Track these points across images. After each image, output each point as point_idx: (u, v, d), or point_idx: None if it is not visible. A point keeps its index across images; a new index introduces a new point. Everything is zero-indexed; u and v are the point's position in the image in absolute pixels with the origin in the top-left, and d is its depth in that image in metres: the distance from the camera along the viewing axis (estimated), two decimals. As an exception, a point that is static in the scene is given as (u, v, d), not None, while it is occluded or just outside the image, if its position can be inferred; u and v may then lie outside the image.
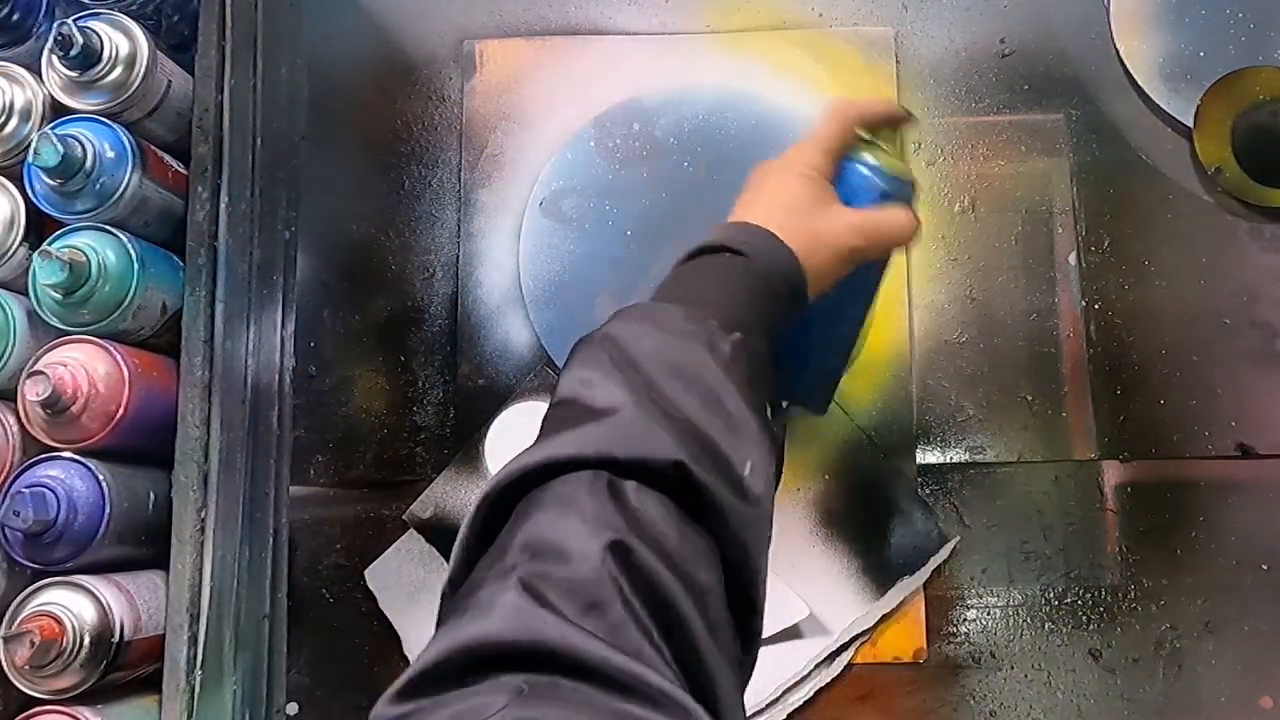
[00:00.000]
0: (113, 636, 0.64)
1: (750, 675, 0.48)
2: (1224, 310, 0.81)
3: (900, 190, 0.64)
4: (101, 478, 0.65)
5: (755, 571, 0.47)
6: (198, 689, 0.66)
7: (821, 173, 0.62)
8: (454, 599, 0.44)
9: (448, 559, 0.80)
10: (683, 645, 0.41)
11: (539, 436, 0.49)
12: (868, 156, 0.64)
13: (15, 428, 0.68)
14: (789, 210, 0.60)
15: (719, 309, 0.55)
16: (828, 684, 0.77)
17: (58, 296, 0.67)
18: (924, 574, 0.78)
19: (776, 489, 0.54)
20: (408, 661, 0.79)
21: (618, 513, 0.44)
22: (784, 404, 0.66)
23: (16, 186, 0.70)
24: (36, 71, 0.71)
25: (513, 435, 0.83)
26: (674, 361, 0.50)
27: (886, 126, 0.65)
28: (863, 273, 0.63)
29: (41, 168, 0.66)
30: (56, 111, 0.71)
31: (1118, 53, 0.85)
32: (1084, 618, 0.78)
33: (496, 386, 0.84)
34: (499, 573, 0.42)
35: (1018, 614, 0.79)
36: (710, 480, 0.46)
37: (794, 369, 0.67)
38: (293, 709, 0.79)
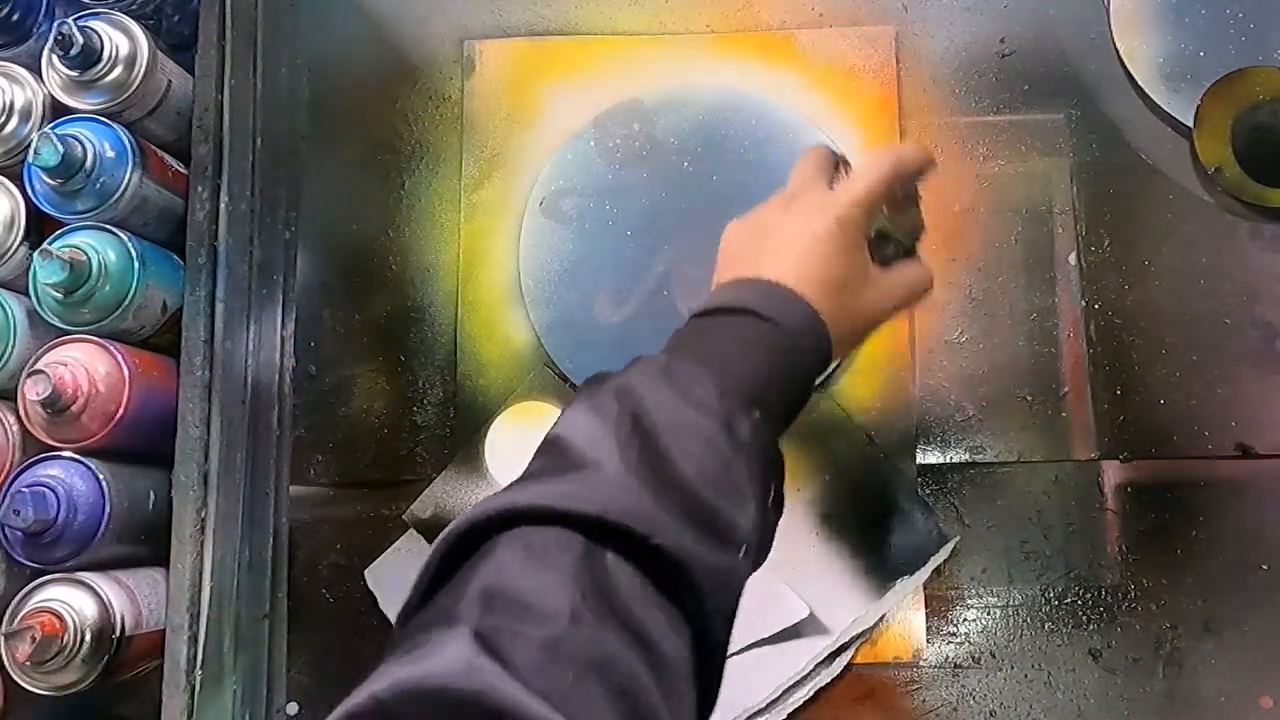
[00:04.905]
0: (114, 632, 0.64)
1: None
2: (1224, 310, 0.81)
3: (917, 244, 0.63)
4: (101, 477, 0.66)
5: (721, 643, 0.46)
6: (198, 688, 0.66)
7: (865, 235, 0.58)
8: (405, 630, 0.42)
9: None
10: (642, 717, 0.40)
11: (524, 473, 0.47)
12: (890, 212, 0.61)
13: (15, 427, 0.68)
14: (830, 285, 0.56)
15: (743, 381, 0.51)
16: (828, 684, 0.77)
17: (58, 296, 0.67)
18: (924, 574, 0.78)
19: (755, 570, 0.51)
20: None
21: (589, 577, 0.41)
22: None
23: (17, 186, 0.70)
24: (36, 71, 0.71)
25: (513, 435, 0.83)
26: (684, 430, 0.48)
27: (920, 176, 0.62)
28: None
29: (42, 167, 0.66)
30: (56, 111, 0.71)
31: (1118, 53, 0.85)
32: (1084, 618, 0.78)
33: (496, 386, 0.84)
34: (454, 615, 0.40)
35: (1018, 614, 0.79)
36: (693, 555, 0.44)
37: None
38: (293, 709, 0.79)
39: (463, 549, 0.43)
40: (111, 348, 0.67)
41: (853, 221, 0.57)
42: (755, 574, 0.77)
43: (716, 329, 0.54)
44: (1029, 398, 0.82)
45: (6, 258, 0.70)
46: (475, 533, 0.43)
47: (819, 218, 0.57)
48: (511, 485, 0.45)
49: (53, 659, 0.62)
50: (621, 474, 0.45)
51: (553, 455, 0.48)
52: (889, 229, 0.61)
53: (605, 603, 0.41)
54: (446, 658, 0.37)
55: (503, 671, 0.37)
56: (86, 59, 0.68)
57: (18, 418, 0.67)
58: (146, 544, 0.69)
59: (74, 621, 0.63)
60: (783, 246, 0.57)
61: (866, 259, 0.58)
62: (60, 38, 0.67)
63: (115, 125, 0.70)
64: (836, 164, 0.62)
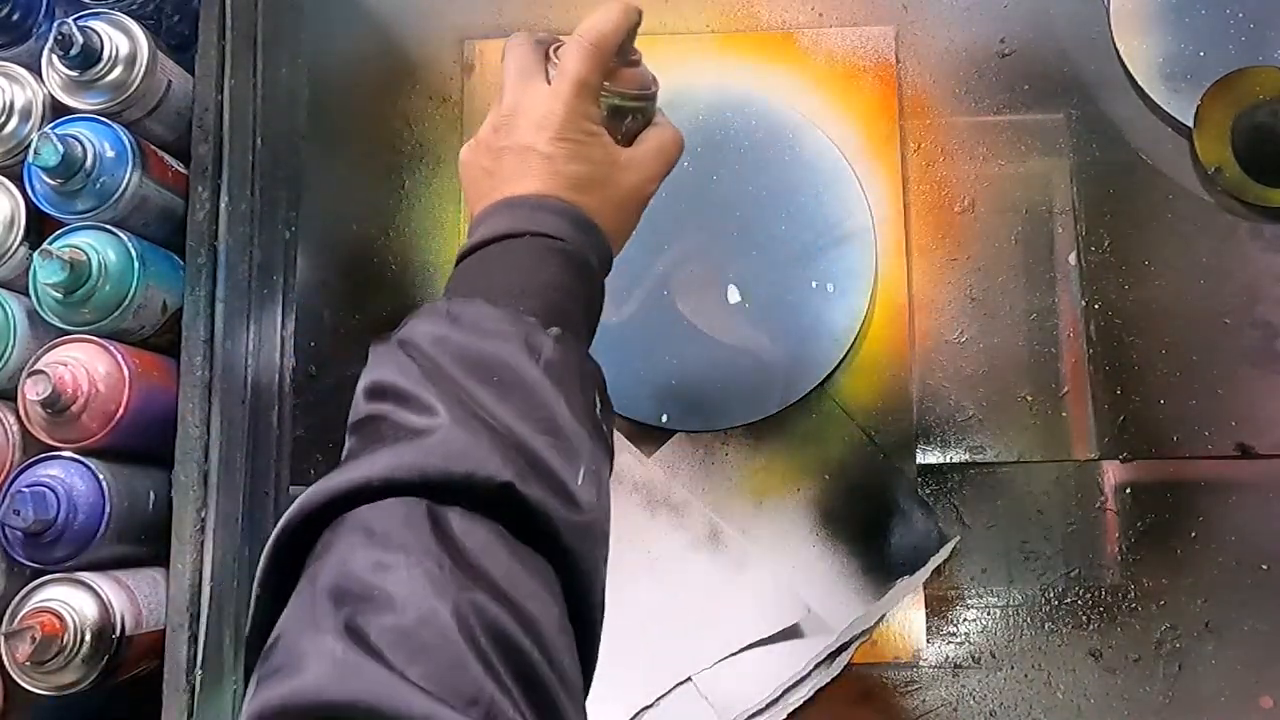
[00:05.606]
0: (114, 632, 0.64)
1: (590, 684, 0.45)
2: (1224, 310, 0.81)
3: (653, 102, 0.61)
4: (101, 477, 0.65)
5: (591, 585, 0.44)
6: (198, 688, 0.66)
7: (597, 123, 0.57)
8: (262, 654, 0.39)
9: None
10: (525, 677, 0.38)
11: (346, 457, 0.44)
12: (613, 84, 0.59)
13: (15, 427, 0.68)
14: (582, 181, 0.55)
15: (533, 300, 0.50)
16: (828, 684, 0.77)
17: (58, 296, 0.67)
18: (924, 574, 0.78)
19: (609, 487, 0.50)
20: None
21: (440, 546, 0.39)
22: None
23: (17, 186, 0.70)
24: (36, 71, 0.71)
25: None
26: (489, 368, 0.46)
27: (631, 34, 0.59)
28: None
29: (42, 167, 0.66)
30: (56, 111, 0.71)
31: (1118, 53, 0.85)
32: (1084, 618, 0.78)
33: (496, 386, 0.84)
34: (309, 619, 0.38)
35: (1018, 614, 0.79)
36: (540, 498, 0.42)
37: None
38: (293, 709, 0.79)
39: (300, 545, 0.41)
40: (111, 348, 0.67)
41: (578, 112, 0.55)
42: (755, 573, 0.78)
43: (488, 261, 0.52)
44: (1029, 398, 0.82)
45: (6, 258, 0.70)
46: (311, 523, 0.41)
47: (546, 119, 0.55)
48: (337, 468, 0.43)
49: (53, 659, 0.62)
50: (449, 426, 0.43)
51: (370, 427, 0.45)
52: (619, 102, 0.59)
53: (462, 567, 0.39)
54: (316, 666, 0.36)
55: (376, 666, 0.35)
56: (86, 59, 0.68)
57: (18, 418, 0.67)
58: (146, 544, 0.69)
59: (74, 621, 0.63)
60: (521, 158, 0.55)
61: (608, 143, 0.57)
62: (60, 38, 0.66)
63: (115, 125, 0.70)
64: (545, 53, 0.59)
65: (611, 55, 0.57)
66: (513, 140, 0.56)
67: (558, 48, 0.59)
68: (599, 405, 0.50)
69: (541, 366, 0.46)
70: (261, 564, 0.42)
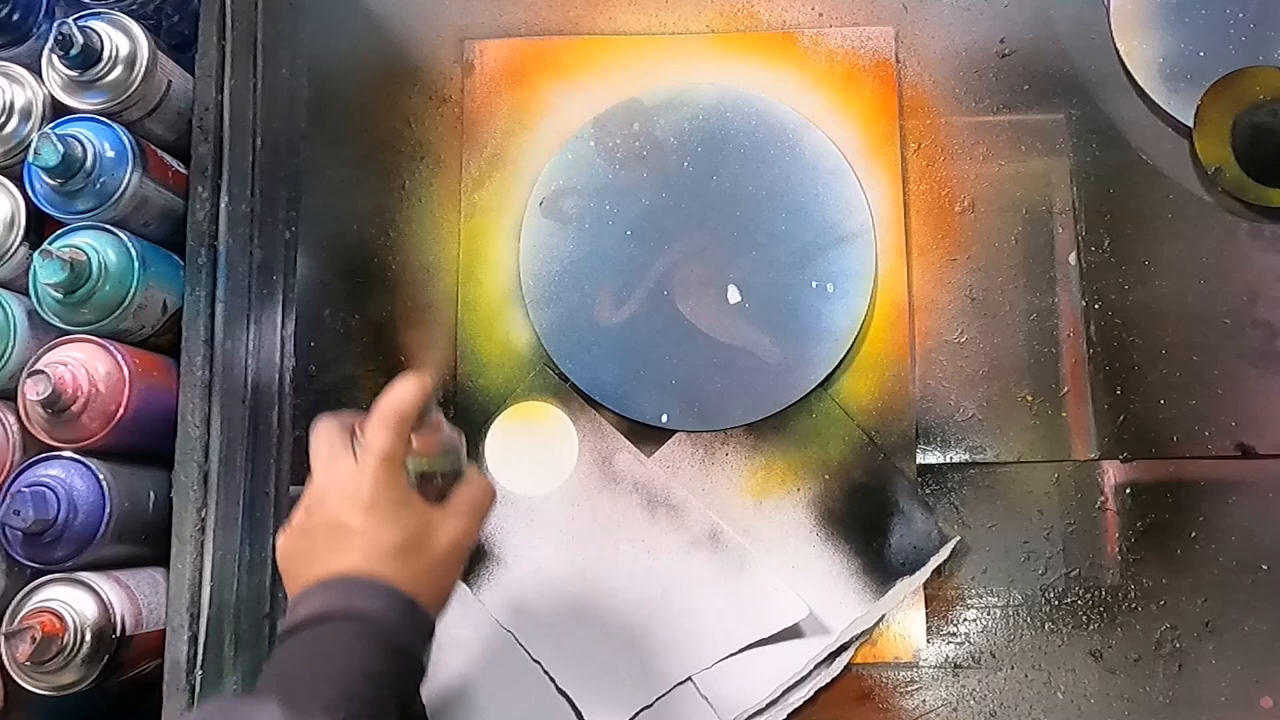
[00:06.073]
0: (114, 632, 0.64)
1: None
2: (1224, 310, 0.81)
3: (460, 459, 0.63)
4: (102, 477, 0.66)
5: None
6: (198, 688, 0.66)
7: (406, 489, 0.58)
8: None
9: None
10: None
11: None
12: (418, 450, 0.61)
13: (16, 427, 0.68)
14: (396, 551, 0.56)
15: (331, 688, 0.51)
16: (828, 684, 0.77)
17: (58, 296, 0.67)
18: (924, 574, 0.78)
19: None
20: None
21: None
22: None
23: (17, 186, 0.71)
24: (36, 71, 0.71)
25: (513, 436, 0.83)
26: None
27: (428, 401, 0.61)
28: None
29: (42, 167, 0.66)
30: (57, 111, 0.71)
31: (1118, 53, 0.85)
32: (1084, 618, 0.78)
33: (496, 386, 0.84)
34: None
35: (1018, 614, 0.79)
36: None
37: None
38: (293, 709, 0.78)
39: None
40: (111, 348, 0.67)
41: (386, 482, 0.57)
42: (755, 573, 0.78)
43: (296, 647, 0.54)
44: (1029, 398, 0.82)
45: (6, 258, 0.70)
46: None
47: (355, 494, 0.57)
48: None
49: (53, 659, 0.62)
50: None
51: None
52: (426, 467, 0.61)
53: None
54: None
55: None
56: (86, 59, 0.68)
57: (18, 418, 0.67)
58: (146, 544, 0.69)
59: (74, 621, 0.63)
60: (334, 536, 0.56)
61: (420, 507, 0.58)
62: (60, 38, 0.67)
63: (115, 125, 0.70)
64: (351, 432, 0.61)
65: (411, 425, 0.59)
66: (324, 518, 0.57)
67: (362, 424, 0.61)
68: None
69: None
70: None
